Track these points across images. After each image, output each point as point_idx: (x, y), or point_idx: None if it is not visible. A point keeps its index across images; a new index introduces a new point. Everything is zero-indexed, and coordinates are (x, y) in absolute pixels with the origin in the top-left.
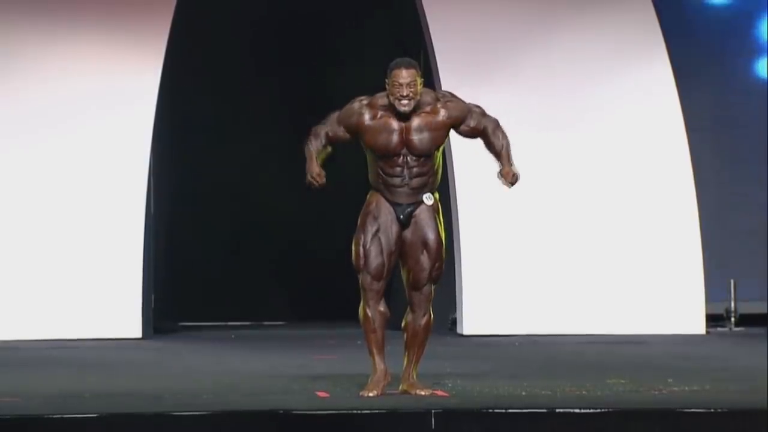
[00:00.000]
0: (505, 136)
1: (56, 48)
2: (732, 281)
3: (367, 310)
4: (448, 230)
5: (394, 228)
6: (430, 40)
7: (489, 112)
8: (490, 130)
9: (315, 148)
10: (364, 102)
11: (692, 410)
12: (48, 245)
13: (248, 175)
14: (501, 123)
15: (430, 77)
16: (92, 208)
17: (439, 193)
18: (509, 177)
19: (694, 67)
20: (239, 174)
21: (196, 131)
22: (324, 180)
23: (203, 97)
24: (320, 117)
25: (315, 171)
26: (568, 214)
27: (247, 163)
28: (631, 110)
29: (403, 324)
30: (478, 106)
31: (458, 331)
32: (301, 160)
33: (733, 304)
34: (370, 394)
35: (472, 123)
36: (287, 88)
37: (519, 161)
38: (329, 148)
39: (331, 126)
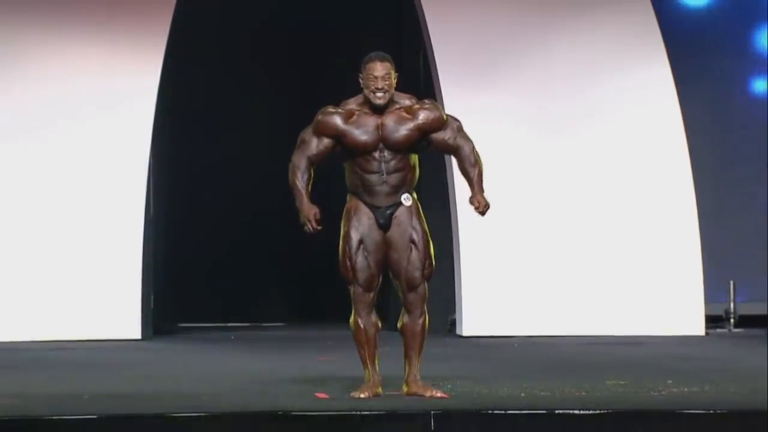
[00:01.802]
0: (478, 162)
1: (56, 48)
2: (731, 282)
3: (359, 321)
4: (448, 232)
5: (376, 234)
6: (430, 41)
7: (488, 113)
8: (465, 152)
9: (302, 183)
10: (333, 109)
11: (692, 411)
12: (47, 246)
13: (248, 176)
14: (476, 146)
15: (430, 78)
16: (92, 208)
17: (417, 193)
18: (481, 206)
19: (694, 69)
20: (239, 174)
21: (196, 131)
22: (319, 223)
23: (203, 97)
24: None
25: (310, 214)
26: (568, 216)
27: (246, 163)
28: (631, 112)
29: (399, 325)
30: (457, 121)
31: (457, 332)
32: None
33: (732, 306)
34: (362, 395)
35: (445, 135)
36: (286, 89)
37: (518, 162)
38: (312, 175)
39: (308, 148)
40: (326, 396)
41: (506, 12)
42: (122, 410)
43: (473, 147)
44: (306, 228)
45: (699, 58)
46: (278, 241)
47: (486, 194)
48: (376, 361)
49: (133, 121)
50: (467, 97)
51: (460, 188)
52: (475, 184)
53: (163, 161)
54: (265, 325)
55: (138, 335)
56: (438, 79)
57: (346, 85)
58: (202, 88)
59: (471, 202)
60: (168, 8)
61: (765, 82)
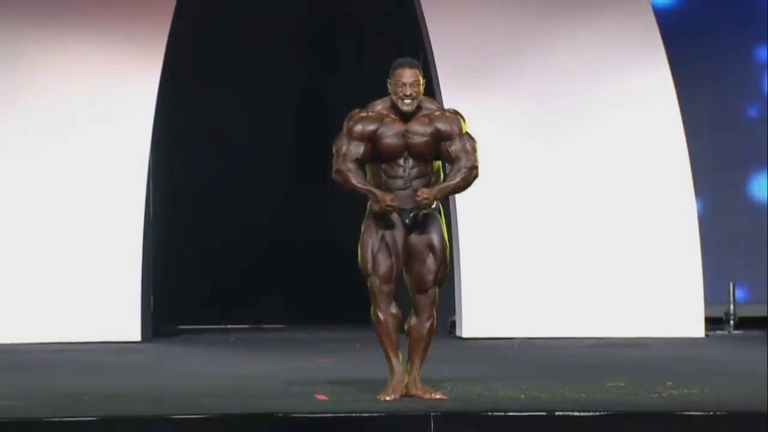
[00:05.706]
0: (465, 181)
1: (56, 49)
2: (731, 284)
3: (379, 314)
4: (448, 233)
5: (400, 233)
6: (430, 43)
7: (488, 113)
8: (458, 165)
9: (362, 181)
10: (364, 113)
11: (691, 413)
12: (48, 248)
13: (248, 178)
14: (477, 167)
15: (430, 81)
16: (92, 210)
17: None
18: (422, 197)
19: (693, 70)
20: (239, 176)
21: (195, 133)
22: (397, 201)
23: (203, 98)
24: (320, 118)
25: (387, 199)
26: (568, 217)
27: (246, 165)
28: (631, 113)
29: (405, 327)
30: (474, 140)
31: (457, 333)
32: (301, 160)
33: (732, 307)
34: (388, 398)
35: (451, 148)
36: (287, 90)
37: (518, 163)
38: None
39: (349, 153)
40: (326, 398)
41: (506, 12)
42: (122, 412)
43: (473, 167)
44: (390, 210)
45: (699, 59)
46: (278, 243)
47: (435, 199)
48: (399, 353)
49: (133, 123)
50: (467, 98)
51: None
52: (443, 185)
53: (163, 163)
54: (265, 326)
55: (138, 337)
56: (438, 79)
57: (346, 85)
58: (202, 89)
59: (422, 191)
60: (168, 9)
61: (765, 82)
